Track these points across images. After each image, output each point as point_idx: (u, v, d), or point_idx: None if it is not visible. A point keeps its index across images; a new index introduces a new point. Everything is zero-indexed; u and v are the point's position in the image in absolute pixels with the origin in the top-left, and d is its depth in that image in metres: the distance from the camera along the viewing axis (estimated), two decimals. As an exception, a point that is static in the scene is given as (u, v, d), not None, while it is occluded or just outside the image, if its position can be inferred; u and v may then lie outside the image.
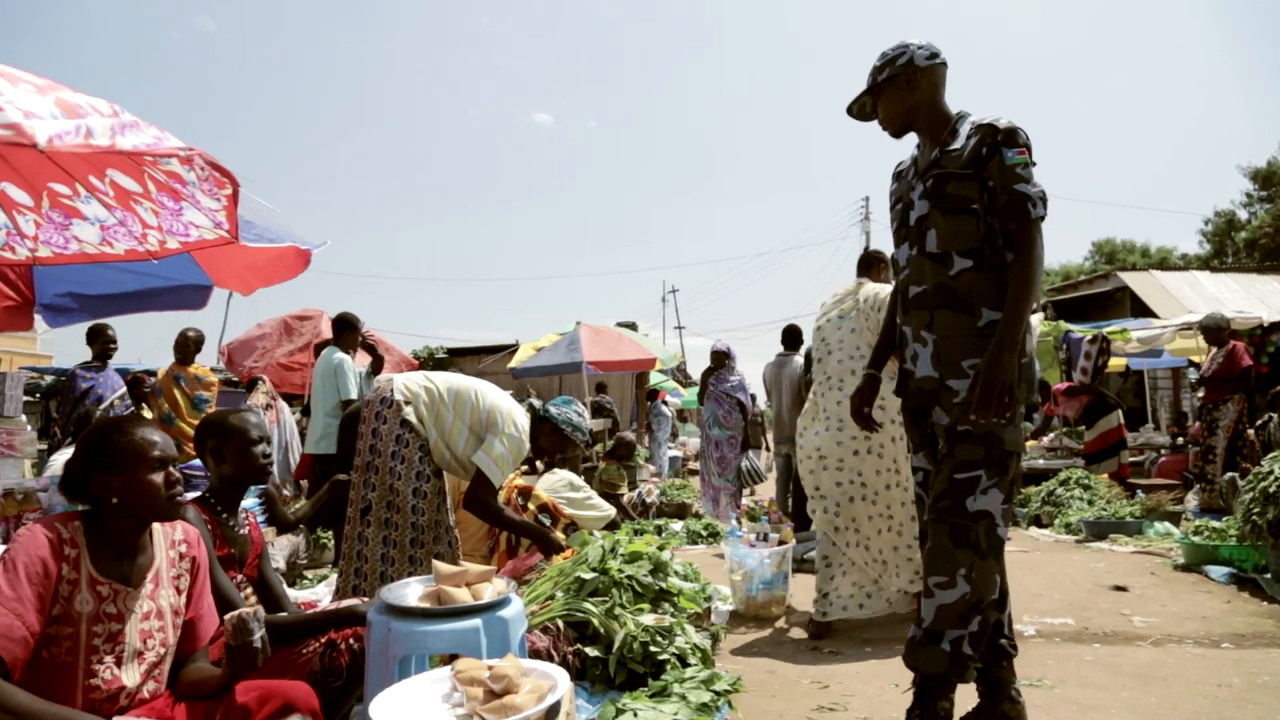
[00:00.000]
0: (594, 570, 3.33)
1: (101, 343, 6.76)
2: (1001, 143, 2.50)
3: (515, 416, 3.61)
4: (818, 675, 3.48)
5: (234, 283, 5.08)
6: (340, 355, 6.16)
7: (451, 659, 2.40)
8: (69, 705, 1.80)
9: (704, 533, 7.28)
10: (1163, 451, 11.34)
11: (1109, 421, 8.82)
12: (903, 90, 2.67)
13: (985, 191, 2.52)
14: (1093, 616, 4.27)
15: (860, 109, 2.82)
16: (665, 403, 14.28)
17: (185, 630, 2.07)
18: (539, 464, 4.59)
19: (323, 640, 2.48)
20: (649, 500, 8.64)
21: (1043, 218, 2.50)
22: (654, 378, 15.52)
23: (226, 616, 1.91)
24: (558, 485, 4.84)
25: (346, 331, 6.33)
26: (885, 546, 4.23)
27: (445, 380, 3.67)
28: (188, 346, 7.07)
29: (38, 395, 11.50)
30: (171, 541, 2.09)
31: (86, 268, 4.92)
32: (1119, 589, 4.86)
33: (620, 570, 3.36)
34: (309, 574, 5.63)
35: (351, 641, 2.48)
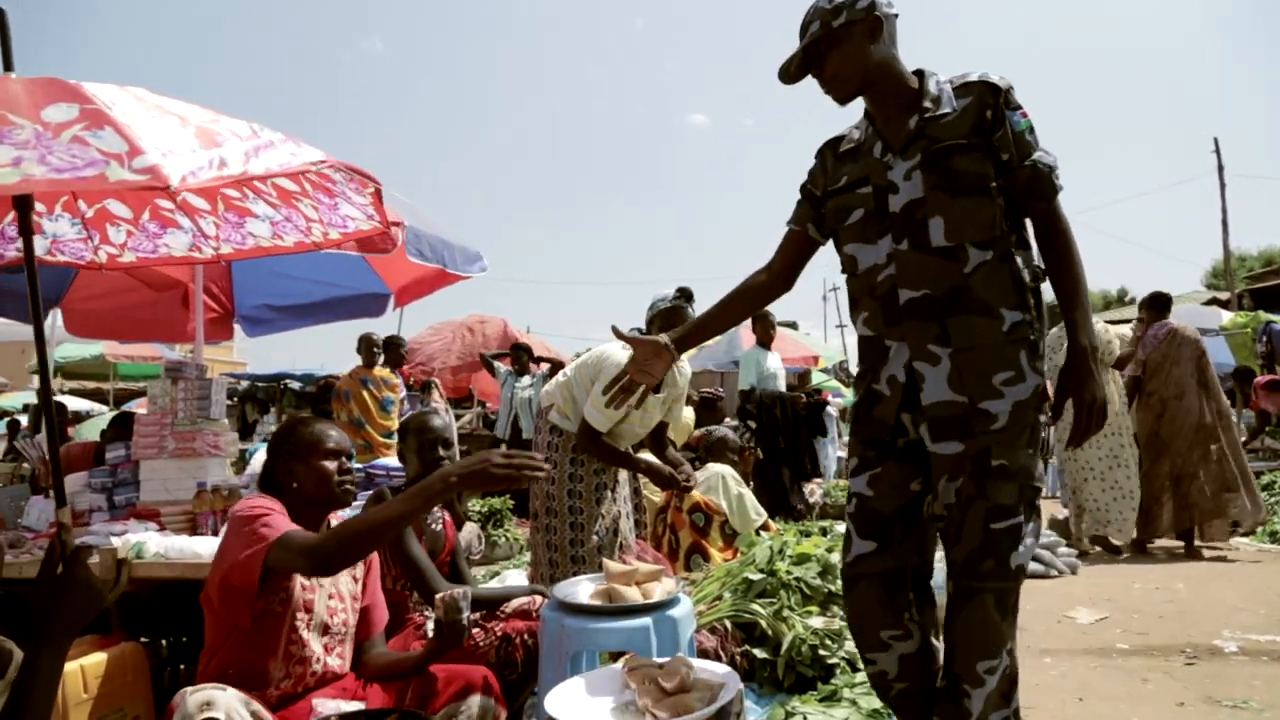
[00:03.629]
0: (761, 571, 3.31)
1: (391, 350, 7.35)
2: (1005, 105, 2.07)
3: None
4: (995, 685, 3.33)
5: (404, 295, 5.40)
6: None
7: (615, 656, 2.45)
8: (271, 655, 1.98)
9: (870, 535, 7.11)
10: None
11: (1321, 419, 8.08)
12: (864, 42, 2.10)
13: (996, 166, 2.07)
14: (1305, 634, 3.93)
15: (796, 66, 2.18)
16: (829, 402, 14.03)
17: (362, 617, 2.24)
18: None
19: (498, 634, 2.58)
20: (813, 500, 8.52)
21: (1061, 189, 2.10)
22: (816, 377, 15.30)
23: (438, 596, 2.09)
24: (712, 482, 4.85)
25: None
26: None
27: (576, 362, 3.79)
28: (373, 350, 7.23)
29: (235, 399, 12.49)
30: None
31: (277, 281, 5.29)
32: (1336, 604, 4.45)
33: (788, 572, 3.32)
34: (481, 570, 5.82)
35: (525, 637, 2.58)
